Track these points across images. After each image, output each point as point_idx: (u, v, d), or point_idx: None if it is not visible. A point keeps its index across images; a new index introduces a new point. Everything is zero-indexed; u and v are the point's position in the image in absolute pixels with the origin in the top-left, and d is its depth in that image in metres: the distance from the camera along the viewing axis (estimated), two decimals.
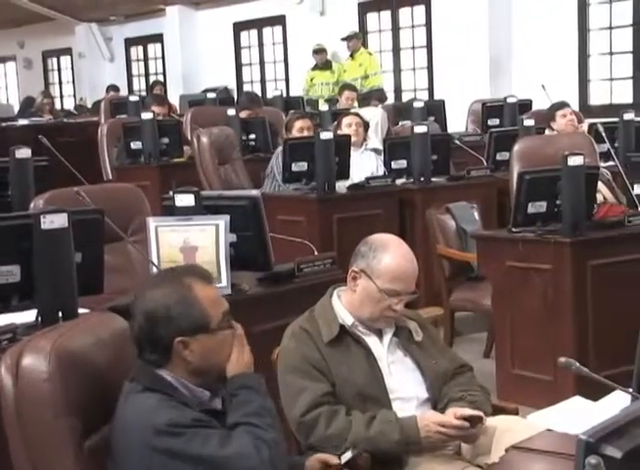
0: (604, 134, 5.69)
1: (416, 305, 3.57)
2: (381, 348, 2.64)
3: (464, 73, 10.05)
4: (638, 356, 2.00)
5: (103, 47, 15.67)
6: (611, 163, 5.61)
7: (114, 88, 12.75)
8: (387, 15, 11.70)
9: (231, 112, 7.26)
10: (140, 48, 15.54)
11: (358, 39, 11.05)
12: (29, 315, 2.86)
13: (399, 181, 5.95)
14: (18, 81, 18.01)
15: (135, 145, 6.74)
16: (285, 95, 11.56)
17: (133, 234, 3.84)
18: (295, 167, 5.56)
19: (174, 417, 1.95)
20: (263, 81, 13.57)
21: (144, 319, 2.06)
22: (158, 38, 14.80)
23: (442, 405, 2.59)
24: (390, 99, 10.89)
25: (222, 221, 3.16)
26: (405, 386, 2.61)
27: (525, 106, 7.89)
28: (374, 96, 9.00)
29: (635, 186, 4.82)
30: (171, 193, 3.40)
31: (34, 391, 1.99)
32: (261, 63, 13.57)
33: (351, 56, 11.02)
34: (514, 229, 4.30)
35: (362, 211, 5.49)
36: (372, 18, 11.88)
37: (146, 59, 15.53)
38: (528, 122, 6.31)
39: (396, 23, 11.60)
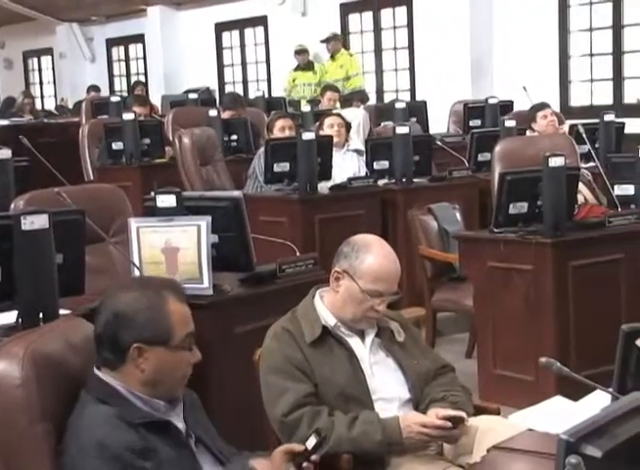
0: (584, 135, 5.72)
1: (398, 306, 3.58)
2: (363, 349, 2.64)
3: (446, 74, 10.06)
4: (618, 356, 2.01)
5: (84, 47, 15.60)
6: (591, 163, 5.64)
7: (94, 88, 12.70)
8: (368, 16, 11.71)
9: (213, 112, 7.25)
10: (121, 48, 15.48)
11: (337, 41, 11.04)
12: (10, 317, 2.84)
13: (381, 182, 5.96)
14: None
15: (116, 146, 6.72)
16: (267, 96, 11.55)
17: (114, 235, 3.82)
18: (277, 168, 5.55)
19: (107, 439, 1.93)
20: (245, 82, 13.55)
21: (112, 316, 2.06)
22: (139, 39, 14.74)
23: (424, 406, 2.59)
24: (372, 100, 10.90)
25: (204, 222, 3.16)
26: (387, 386, 2.61)
27: (506, 107, 7.91)
28: (356, 97, 9.00)
29: (615, 187, 4.85)
30: (153, 194, 3.38)
31: (8, 397, 1.98)
32: (243, 63, 13.54)
33: (332, 57, 11.02)
34: (495, 230, 4.31)
35: (344, 211, 5.49)
36: (354, 19, 11.89)
37: (127, 59, 15.47)
38: (510, 123, 6.33)
39: (378, 24, 11.62)
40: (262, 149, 5.84)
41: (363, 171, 6.09)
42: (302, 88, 11.04)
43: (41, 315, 2.79)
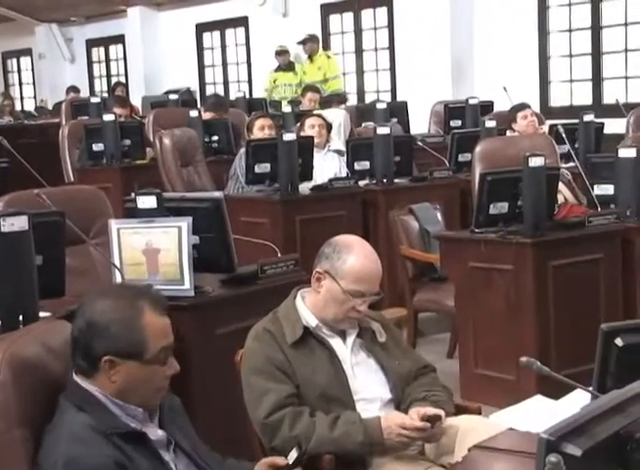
0: (564, 135, 5.75)
1: (379, 306, 3.58)
2: (344, 349, 2.64)
3: (426, 75, 10.09)
4: (598, 356, 2.02)
5: (63, 48, 15.52)
6: (571, 163, 5.67)
7: (73, 89, 12.62)
8: (349, 16, 11.71)
9: (193, 113, 7.22)
10: (101, 49, 15.42)
11: (314, 42, 11.02)
12: None
13: (362, 182, 5.96)
14: None
15: (97, 147, 6.69)
16: (248, 96, 11.52)
17: (95, 236, 3.80)
18: (257, 169, 5.55)
19: (79, 457, 1.91)
20: (226, 83, 13.53)
21: (85, 325, 2.03)
22: (119, 39, 14.69)
23: (405, 406, 2.60)
24: (353, 100, 10.92)
25: (185, 223, 3.15)
26: (369, 387, 2.62)
27: (486, 107, 7.93)
28: (334, 100, 8.97)
29: (595, 187, 4.88)
30: (133, 195, 3.37)
31: None
32: (224, 64, 13.52)
33: (310, 59, 11.01)
34: (476, 230, 4.33)
35: (325, 212, 5.49)
36: (334, 19, 11.90)
37: (107, 60, 15.41)
38: (490, 124, 6.36)
39: (359, 25, 11.63)
40: (243, 150, 5.83)
41: (344, 172, 6.09)
42: (283, 89, 11.03)
43: (21, 318, 2.77)
